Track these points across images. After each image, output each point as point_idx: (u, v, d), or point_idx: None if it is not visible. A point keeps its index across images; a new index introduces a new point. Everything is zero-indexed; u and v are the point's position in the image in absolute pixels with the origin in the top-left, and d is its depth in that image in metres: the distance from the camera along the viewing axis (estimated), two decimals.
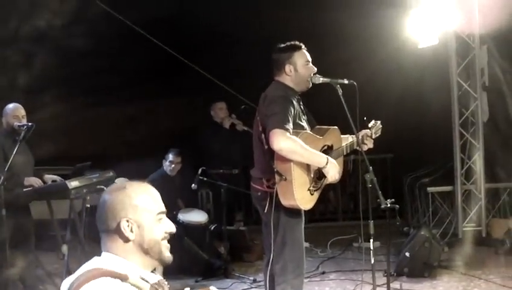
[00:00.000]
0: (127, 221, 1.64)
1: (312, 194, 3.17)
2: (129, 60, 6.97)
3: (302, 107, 3.30)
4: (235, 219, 6.35)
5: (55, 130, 6.74)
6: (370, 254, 3.17)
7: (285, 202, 3.09)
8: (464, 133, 6.22)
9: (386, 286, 3.45)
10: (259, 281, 4.89)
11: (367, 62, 6.53)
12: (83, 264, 1.63)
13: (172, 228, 1.73)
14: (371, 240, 3.16)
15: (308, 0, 6.71)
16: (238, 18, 6.62)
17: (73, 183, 4.20)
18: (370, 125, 3.49)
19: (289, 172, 3.04)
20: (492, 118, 6.20)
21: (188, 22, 6.74)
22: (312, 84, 3.27)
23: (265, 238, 3.30)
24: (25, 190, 4.25)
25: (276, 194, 3.10)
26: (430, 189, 6.41)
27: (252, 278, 5.06)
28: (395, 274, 4.83)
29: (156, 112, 7.90)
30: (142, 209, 1.66)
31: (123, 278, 1.54)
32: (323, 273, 5.22)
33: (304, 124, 3.24)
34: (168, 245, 1.72)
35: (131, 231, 1.64)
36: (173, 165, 5.73)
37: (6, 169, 3.98)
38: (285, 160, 3.03)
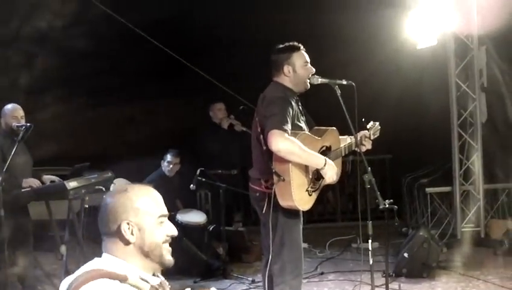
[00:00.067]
0: (128, 224, 1.64)
1: (310, 195, 3.18)
2: (129, 61, 6.98)
3: (300, 108, 3.31)
4: (233, 220, 6.36)
5: (55, 131, 6.75)
6: (369, 254, 3.17)
7: (283, 202, 3.10)
8: (463, 134, 6.23)
9: (384, 286, 3.46)
10: (258, 282, 4.89)
11: (366, 63, 6.54)
12: (81, 264, 1.64)
13: (173, 231, 1.72)
14: (370, 241, 3.16)
15: (306, 2, 6.71)
16: (237, 20, 6.63)
17: (71, 184, 4.20)
18: (368, 126, 3.50)
19: (287, 173, 3.04)
20: (491, 118, 6.21)
21: (188, 24, 6.75)
22: (311, 85, 3.28)
23: (264, 239, 3.30)
24: (23, 190, 4.25)
25: (275, 195, 3.10)
26: (429, 190, 6.42)
27: (250, 278, 5.06)
28: (393, 275, 4.83)
29: (155, 113, 7.91)
30: (143, 212, 1.66)
31: (122, 279, 1.55)
32: (322, 274, 5.22)
33: (303, 124, 3.25)
34: (170, 248, 1.71)
35: (132, 233, 1.64)
36: (171, 166, 5.73)
37: (4, 170, 3.98)
38: (284, 161, 3.04)
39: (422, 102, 6.63)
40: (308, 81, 3.26)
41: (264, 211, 3.18)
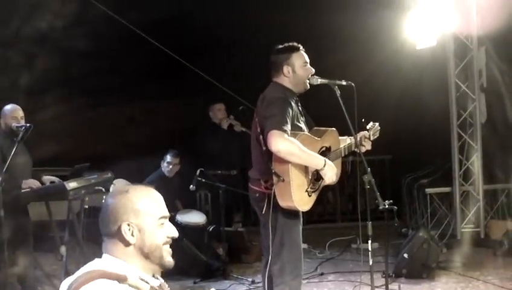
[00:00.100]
0: (128, 225, 1.64)
1: (310, 196, 3.18)
2: (129, 61, 6.99)
3: (300, 108, 3.31)
4: (233, 220, 6.36)
5: (55, 131, 6.75)
6: (368, 255, 3.17)
7: (283, 203, 3.10)
8: (462, 134, 6.23)
9: (384, 287, 3.46)
10: (258, 283, 4.89)
11: (365, 64, 6.54)
12: (81, 265, 1.64)
13: (174, 232, 1.72)
14: (369, 241, 3.16)
15: (305, 3, 6.72)
16: (237, 20, 6.63)
17: (71, 185, 4.20)
18: (368, 126, 3.50)
19: (287, 173, 3.04)
20: (490, 119, 6.22)
21: (187, 25, 6.76)
22: (310, 85, 3.28)
23: (264, 239, 3.30)
24: (23, 190, 4.25)
25: (274, 196, 3.10)
26: (429, 190, 6.43)
27: (250, 279, 5.06)
28: (393, 275, 4.83)
29: (155, 113, 7.91)
30: (143, 214, 1.66)
31: (122, 279, 1.55)
32: (322, 274, 5.22)
33: (302, 125, 3.25)
34: (170, 250, 1.71)
35: (132, 235, 1.64)
36: (171, 166, 5.73)
37: (4, 170, 3.98)
38: (283, 161, 3.04)
39: (421, 102, 6.63)
40: (308, 81, 3.26)
41: (263, 212, 3.18)
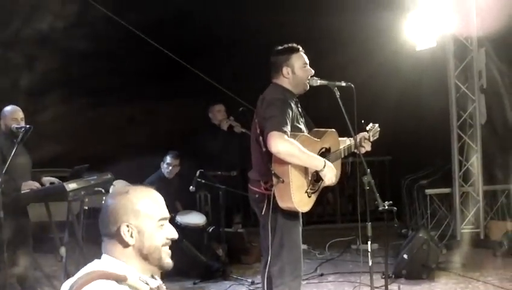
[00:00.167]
0: (127, 226, 1.64)
1: (309, 197, 3.18)
2: (129, 62, 6.99)
3: (300, 109, 3.31)
4: (233, 221, 6.35)
5: (55, 132, 6.76)
6: (368, 256, 3.17)
7: (282, 204, 3.10)
8: (462, 135, 6.24)
9: (384, 288, 3.46)
10: (257, 283, 4.88)
11: (365, 65, 6.55)
12: (81, 266, 1.64)
13: (174, 234, 1.72)
14: (369, 242, 3.17)
15: (305, 4, 6.72)
16: (237, 21, 6.63)
17: (71, 186, 4.20)
18: (368, 128, 3.50)
19: (287, 174, 3.05)
20: (490, 120, 6.22)
21: (187, 25, 6.76)
22: (310, 86, 3.28)
23: (263, 240, 3.30)
24: (23, 192, 4.25)
25: (274, 197, 3.10)
26: (428, 191, 6.43)
27: (250, 280, 5.06)
28: (393, 276, 4.84)
29: (155, 113, 7.92)
30: (143, 215, 1.66)
31: (121, 280, 1.55)
32: (322, 275, 5.22)
33: (302, 126, 3.25)
34: (169, 251, 1.71)
35: (131, 236, 1.64)
36: (171, 168, 5.73)
37: (4, 171, 3.98)
38: (283, 162, 3.04)
39: (421, 104, 6.63)
40: (307, 82, 3.27)
41: (263, 213, 3.18)
